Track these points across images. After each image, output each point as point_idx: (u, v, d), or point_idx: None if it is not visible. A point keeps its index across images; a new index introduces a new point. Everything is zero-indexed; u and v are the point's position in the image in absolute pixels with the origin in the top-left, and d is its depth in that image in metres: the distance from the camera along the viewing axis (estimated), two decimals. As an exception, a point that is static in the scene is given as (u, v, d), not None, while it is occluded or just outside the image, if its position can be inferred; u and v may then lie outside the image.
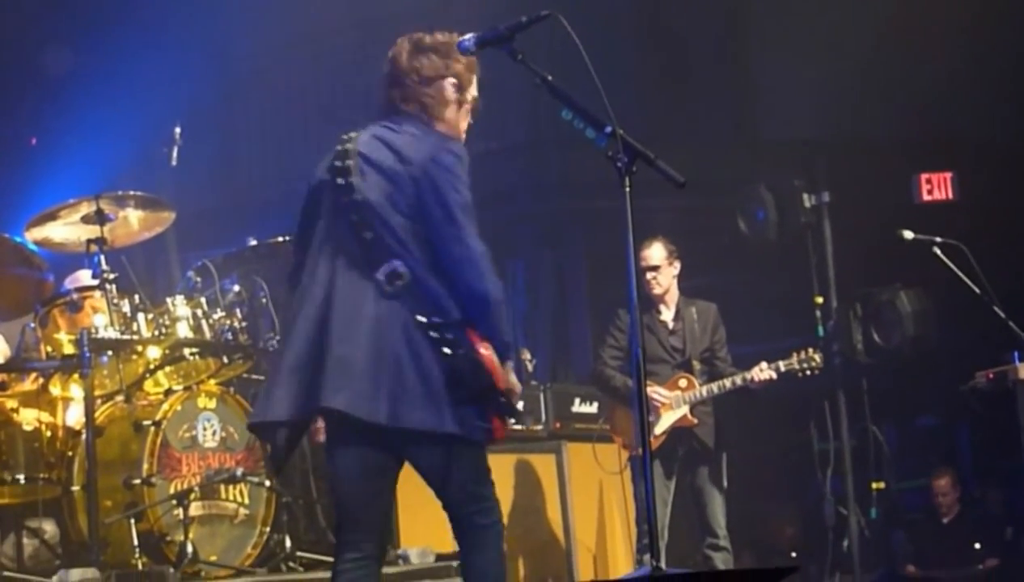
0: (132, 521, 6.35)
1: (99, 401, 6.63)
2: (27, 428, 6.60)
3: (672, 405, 7.51)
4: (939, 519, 10.12)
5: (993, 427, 8.87)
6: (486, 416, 4.36)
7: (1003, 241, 9.27)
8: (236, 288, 6.96)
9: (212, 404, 6.72)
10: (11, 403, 6.62)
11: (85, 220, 6.85)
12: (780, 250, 9.31)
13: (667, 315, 7.72)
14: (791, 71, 11.11)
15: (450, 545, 6.88)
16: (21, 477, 6.52)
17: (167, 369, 6.94)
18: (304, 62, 12.14)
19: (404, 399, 4.23)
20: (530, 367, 8.86)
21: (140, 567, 6.27)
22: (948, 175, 9.68)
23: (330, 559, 6.74)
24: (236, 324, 6.84)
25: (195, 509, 6.37)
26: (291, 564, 6.69)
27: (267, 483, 6.66)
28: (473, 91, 4.63)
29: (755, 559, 10.02)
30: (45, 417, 6.69)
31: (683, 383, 7.57)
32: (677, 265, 7.70)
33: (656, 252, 7.63)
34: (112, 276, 6.66)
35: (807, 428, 9.26)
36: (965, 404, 8.06)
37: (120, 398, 6.80)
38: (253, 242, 7.12)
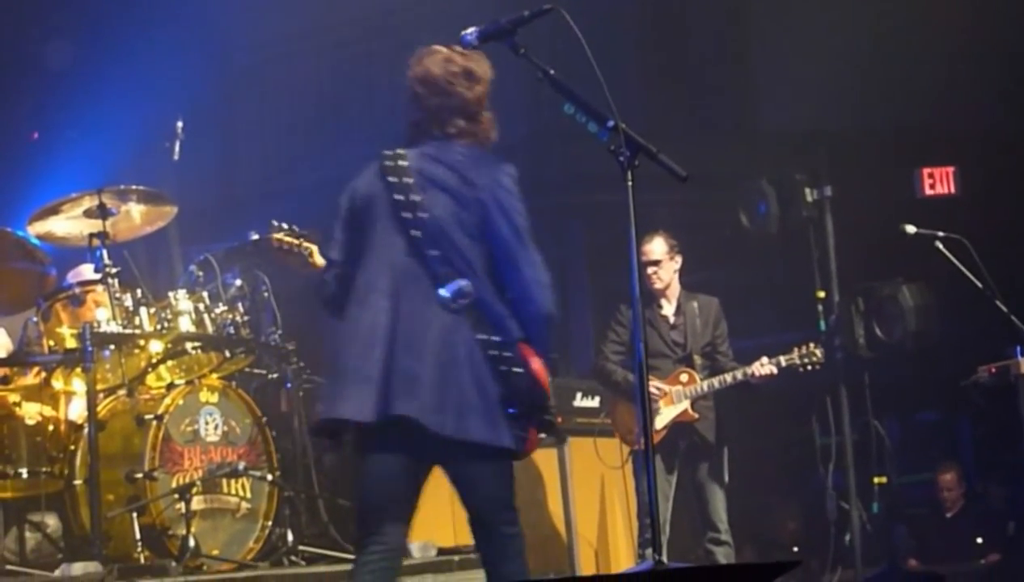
0: (134, 515, 6.37)
1: (101, 395, 6.64)
2: (29, 422, 6.61)
3: (672, 398, 7.50)
4: (942, 513, 10.12)
5: (995, 421, 8.89)
6: (526, 428, 4.49)
7: (1005, 235, 9.26)
8: (238, 282, 6.97)
9: (214, 398, 6.73)
10: (13, 397, 6.63)
11: (87, 214, 6.86)
12: (782, 244, 9.30)
13: (668, 310, 7.70)
14: (793, 65, 11.09)
15: (451, 539, 6.92)
16: (23, 471, 6.54)
17: (169, 363, 6.94)
18: (305, 58, 12.12)
19: (468, 413, 4.35)
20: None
21: (142, 561, 6.29)
22: (950, 169, 9.68)
23: (332, 553, 6.82)
24: (238, 318, 6.86)
25: (197, 503, 6.39)
26: (293, 558, 6.70)
27: (269, 477, 6.67)
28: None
29: (757, 553, 10.01)
30: (47, 411, 6.70)
31: (684, 378, 7.55)
32: (678, 259, 7.68)
33: (658, 246, 7.61)
34: (114, 270, 6.67)
35: (809, 422, 9.24)
36: (967, 398, 8.07)
37: (122, 392, 6.80)
38: (255, 236, 7.11)
